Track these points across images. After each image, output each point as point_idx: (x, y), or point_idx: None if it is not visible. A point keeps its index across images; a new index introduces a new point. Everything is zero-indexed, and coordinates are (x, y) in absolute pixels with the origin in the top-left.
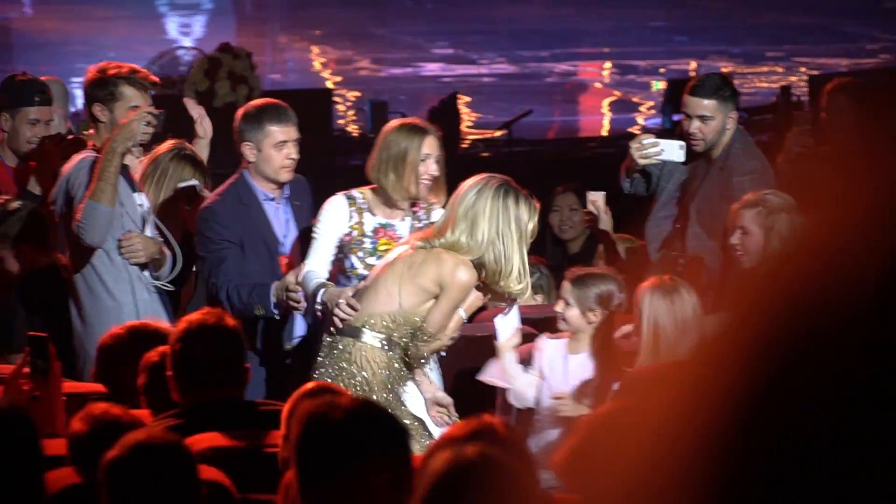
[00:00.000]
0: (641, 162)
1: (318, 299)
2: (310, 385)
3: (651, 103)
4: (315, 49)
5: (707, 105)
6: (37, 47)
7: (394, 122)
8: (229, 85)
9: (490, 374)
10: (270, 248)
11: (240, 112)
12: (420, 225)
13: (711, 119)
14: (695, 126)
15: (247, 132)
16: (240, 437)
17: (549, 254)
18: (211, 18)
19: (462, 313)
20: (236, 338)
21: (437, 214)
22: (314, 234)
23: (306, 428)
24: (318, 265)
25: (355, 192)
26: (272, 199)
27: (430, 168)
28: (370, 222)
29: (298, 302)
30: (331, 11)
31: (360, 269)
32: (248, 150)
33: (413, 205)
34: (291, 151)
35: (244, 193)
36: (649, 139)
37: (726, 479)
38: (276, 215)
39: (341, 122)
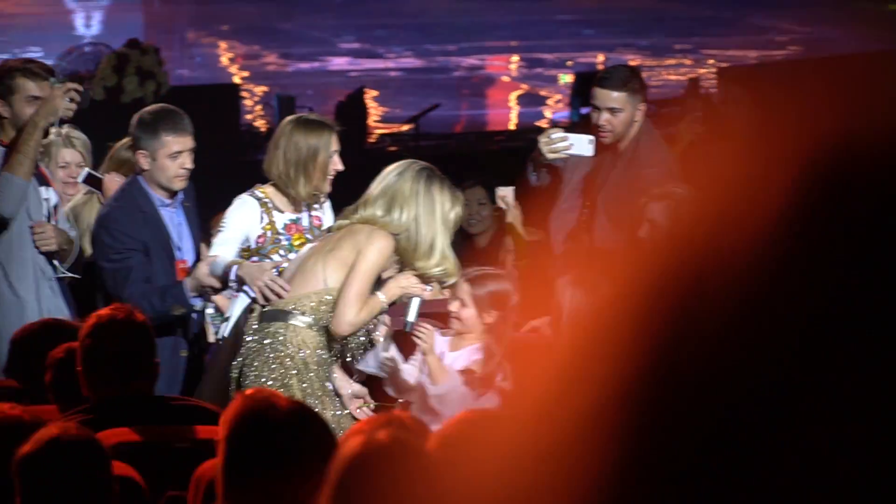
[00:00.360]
0: (550, 156)
1: (233, 275)
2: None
3: (559, 96)
4: (223, 44)
5: (616, 97)
6: None
7: (294, 120)
8: (137, 81)
9: (367, 364)
10: (169, 253)
11: (135, 118)
12: (316, 213)
13: (620, 111)
14: (603, 118)
15: (142, 140)
16: (150, 432)
17: (457, 248)
18: (118, 14)
19: (381, 297)
20: (146, 333)
21: (327, 204)
22: (221, 228)
23: (240, 425)
24: (224, 255)
25: (258, 193)
26: (168, 205)
27: (338, 164)
28: (280, 220)
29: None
30: (238, 6)
31: (285, 266)
32: (142, 158)
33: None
34: (186, 161)
35: (142, 200)
36: (558, 133)
37: (606, 473)
38: (172, 221)
39: (249, 117)
